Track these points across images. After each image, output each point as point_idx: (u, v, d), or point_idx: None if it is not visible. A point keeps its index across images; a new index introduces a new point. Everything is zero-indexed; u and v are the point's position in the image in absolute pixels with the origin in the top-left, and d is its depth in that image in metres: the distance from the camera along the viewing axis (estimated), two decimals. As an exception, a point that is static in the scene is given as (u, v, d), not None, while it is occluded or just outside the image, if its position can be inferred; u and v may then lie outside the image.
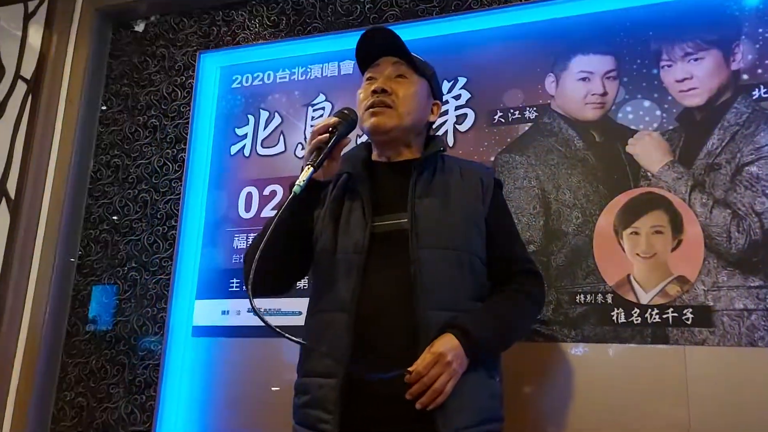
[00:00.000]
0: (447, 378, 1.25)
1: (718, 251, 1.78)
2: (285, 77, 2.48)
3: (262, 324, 2.18)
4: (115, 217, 2.57)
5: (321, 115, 2.36)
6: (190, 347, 2.31)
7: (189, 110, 2.55)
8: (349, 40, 2.32)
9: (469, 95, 2.17)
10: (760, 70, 1.87)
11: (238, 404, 2.19)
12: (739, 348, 1.71)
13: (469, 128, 2.15)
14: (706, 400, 1.70)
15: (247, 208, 2.38)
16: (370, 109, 1.45)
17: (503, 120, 2.11)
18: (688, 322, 1.76)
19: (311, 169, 1.29)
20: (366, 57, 1.54)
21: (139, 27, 2.78)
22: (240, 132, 2.48)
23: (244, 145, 2.46)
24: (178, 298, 2.35)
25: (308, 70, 2.45)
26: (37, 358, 2.44)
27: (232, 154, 2.47)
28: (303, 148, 2.33)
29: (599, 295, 1.86)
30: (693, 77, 1.92)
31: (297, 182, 1.27)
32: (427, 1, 2.32)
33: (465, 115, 2.16)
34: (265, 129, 2.45)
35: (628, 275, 1.85)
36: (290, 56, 2.49)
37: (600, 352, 1.83)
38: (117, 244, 2.53)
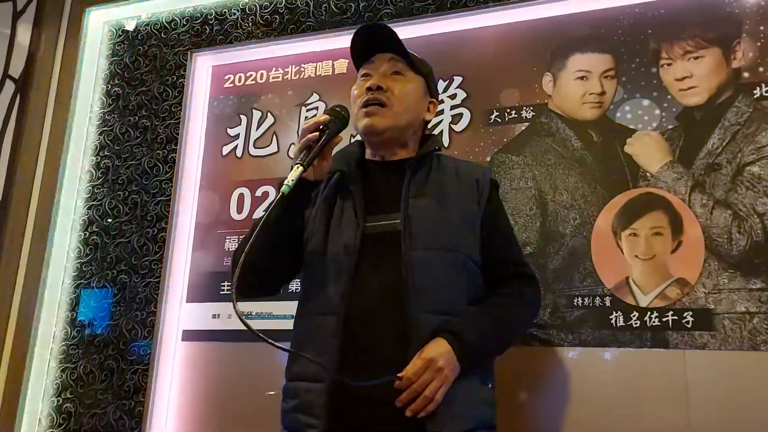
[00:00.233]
0: (438, 384, 1.22)
1: (718, 253, 1.75)
2: (278, 77, 2.45)
3: (255, 329, 2.16)
4: (105, 220, 2.52)
5: (314, 115, 2.33)
6: (180, 351, 2.27)
7: (180, 110, 2.52)
8: (344, 39, 2.30)
9: (465, 94, 2.15)
10: (761, 69, 1.84)
11: (228, 410, 2.15)
12: (740, 352, 1.68)
13: (465, 128, 2.12)
14: (707, 406, 1.67)
15: (239, 210, 2.34)
16: (365, 108, 1.42)
17: (499, 120, 2.08)
18: (689, 326, 1.73)
19: (300, 168, 1.26)
20: (361, 53, 1.51)
21: (130, 26, 2.74)
22: (232, 132, 2.45)
23: (237, 146, 2.43)
24: (167, 302, 2.32)
25: (302, 69, 2.42)
26: (24, 363, 2.40)
27: (224, 154, 2.44)
28: (296, 149, 2.29)
29: (597, 298, 1.83)
30: (693, 76, 1.90)
31: (285, 182, 1.23)
32: (423, 0, 2.28)
33: (461, 114, 2.13)
34: (257, 129, 2.42)
35: (627, 278, 1.82)
36: (283, 55, 2.46)
37: (598, 357, 1.79)
38: (106, 247, 2.49)
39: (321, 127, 1.31)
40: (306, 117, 2.35)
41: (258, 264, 1.31)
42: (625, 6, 2.01)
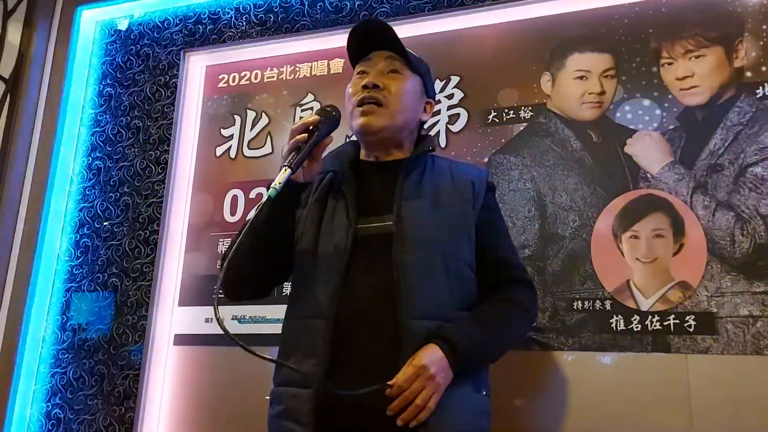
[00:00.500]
0: (429, 392, 1.18)
1: (721, 255, 1.72)
2: (272, 76, 2.42)
3: (247, 333, 2.12)
4: (96, 222, 2.48)
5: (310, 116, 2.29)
6: (172, 356, 2.24)
7: (173, 111, 2.49)
8: (339, 39, 2.28)
9: (462, 94, 2.12)
10: (764, 68, 1.81)
11: (221, 415, 2.11)
12: (744, 356, 1.65)
13: (462, 128, 2.09)
14: (709, 411, 1.64)
15: (233, 212, 2.31)
16: (360, 107, 1.39)
17: (497, 120, 2.05)
18: (691, 330, 1.70)
19: (288, 170, 1.23)
20: (358, 50, 1.48)
21: (123, 25, 2.71)
22: (226, 133, 2.42)
23: (230, 147, 2.39)
24: (159, 305, 2.28)
25: (296, 69, 2.39)
26: (13, 368, 2.36)
27: (217, 155, 2.40)
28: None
29: (597, 301, 1.80)
30: (694, 75, 1.87)
31: (272, 185, 1.20)
32: (419, -2, 2.26)
33: (458, 115, 2.10)
34: (251, 130, 2.39)
35: (628, 281, 1.78)
36: (278, 55, 2.43)
37: (598, 361, 1.76)
38: (97, 249, 2.45)
39: (311, 128, 1.28)
40: (301, 117, 2.31)
41: (246, 267, 1.30)
42: (625, 4, 1.98)
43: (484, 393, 1.32)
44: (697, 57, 1.87)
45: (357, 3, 2.35)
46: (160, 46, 2.62)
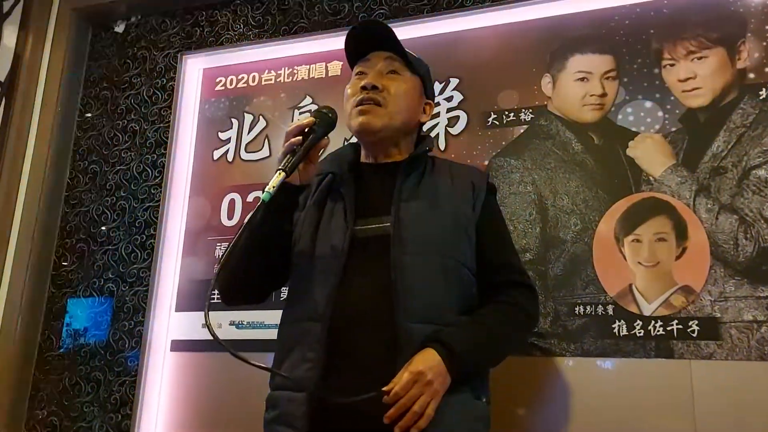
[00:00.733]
0: (427, 399, 1.16)
1: (725, 259, 1.70)
2: (270, 79, 2.40)
3: (246, 338, 2.10)
4: (92, 226, 2.46)
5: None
6: (169, 362, 2.21)
7: (170, 114, 2.47)
8: (337, 41, 2.25)
9: (462, 97, 2.10)
10: (767, 69, 1.79)
11: (218, 423, 2.08)
12: (748, 362, 1.63)
13: (462, 131, 2.07)
14: (713, 418, 1.62)
15: (230, 216, 2.29)
16: (359, 107, 1.37)
17: (497, 122, 2.03)
18: (694, 335, 1.68)
19: (282, 174, 1.21)
20: (356, 51, 1.46)
21: (119, 28, 2.69)
22: (223, 136, 2.40)
23: (228, 150, 2.37)
24: (156, 311, 2.26)
25: (294, 71, 2.37)
26: (8, 375, 2.34)
27: (214, 159, 2.38)
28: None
29: (599, 306, 1.78)
30: (696, 77, 1.85)
31: (267, 188, 1.19)
32: (418, 0, 2.23)
33: (457, 117, 2.08)
34: (249, 133, 2.37)
35: (630, 285, 1.76)
36: (276, 57, 2.41)
37: (600, 367, 1.74)
38: (93, 254, 2.43)
39: (305, 130, 1.27)
40: (298, 120, 2.29)
41: (242, 270, 1.30)
42: (627, 5, 1.97)
43: (484, 400, 1.29)
44: (699, 58, 1.85)
45: (355, 5, 2.33)
46: (157, 48, 2.61)
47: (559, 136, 1.94)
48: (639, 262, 1.77)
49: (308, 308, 1.27)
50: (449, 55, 2.12)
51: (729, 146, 1.77)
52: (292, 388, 1.24)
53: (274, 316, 2.02)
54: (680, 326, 1.69)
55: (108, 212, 2.46)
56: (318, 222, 1.35)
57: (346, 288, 1.25)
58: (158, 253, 2.30)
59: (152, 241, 2.34)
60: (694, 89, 1.84)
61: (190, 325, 2.21)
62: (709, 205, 1.74)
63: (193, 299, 2.24)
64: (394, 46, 1.42)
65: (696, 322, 1.68)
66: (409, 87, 1.42)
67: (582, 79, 1.96)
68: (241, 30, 2.49)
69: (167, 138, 2.44)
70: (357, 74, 1.44)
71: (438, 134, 2.08)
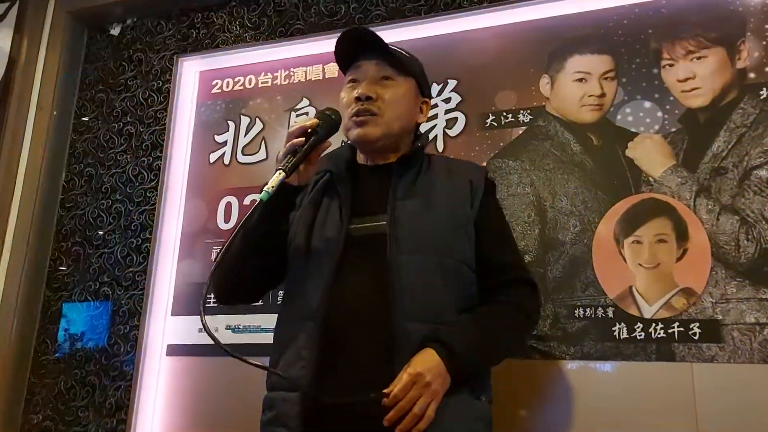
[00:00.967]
0: (427, 400, 1.14)
1: (726, 261, 1.68)
2: (267, 81, 2.39)
3: (242, 342, 2.08)
4: (87, 230, 2.44)
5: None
6: (165, 367, 2.19)
7: (166, 116, 2.46)
8: (334, 42, 2.20)
9: (460, 98, 2.08)
10: (767, 68, 1.77)
11: (214, 427, 2.06)
12: (750, 365, 1.61)
13: (460, 132, 2.06)
14: (716, 422, 1.60)
15: (227, 219, 2.27)
16: (355, 118, 1.36)
17: (496, 123, 2.01)
18: (696, 338, 1.66)
19: (282, 174, 1.20)
20: (346, 58, 1.44)
21: (115, 30, 2.68)
22: (220, 139, 2.38)
23: (224, 153, 2.36)
24: (152, 315, 2.24)
25: (291, 73, 2.36)
26: (3, 378, 2.32)
27: (211, 162, 2.37)
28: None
29: (599, 308, 1.76)
30: (696, 77, 1.83)
31: (265, 188, 1.18)
32: (415, 1, 2.23)
33: (455, 118, 2.07)
34: (246, 135, 2.35)
35: (630, 287, 1.74)
36: (272, 59, 2.40)
37: (601, 370, 1.73)
38: (89, 258, 2.41)
39: (308, 131, 1.26)
40: (296, 122, 2.27)
41: (237, 270, 1.29)
42: (625, 5, 1.95)
43: (485, 399, 1.28)
44: (699, 58, 1.84)
45: (352, 6, 2.32)
46: (153, 51, 2.59)
47: (558, 137, 1.93)
48: (639, 264, 1.75)
49: (303, 307, 1.27)
50: (447, 56, 2.11)
51: (729, 146, 1.75)
52: (286, 387, 1.23)
53: (271, 320, 1.99)
54: (681, 329, 1.67)
55: (104, 215, 2.45)
56: (313, 220, 1.34)
57: (341, 286, 1.24)
58: (154, 256, 2.29)
59: (148, 244, 2.33)
60: (693, 89, 1.82)
61: (186, 329, 2.19)
62: (709, 206, 1.73)
63: (189, 303, 2.22)
64: (383, 51, 1.39)
65: (697, 324, 1.67)
66: (404, 91, 1.40)
67: (580, 80, 1.95)
68: (238, 32, 2.48)
69: (163, 141, 2.42)
70: (350, 82, 1.42)
71: (436, 135, 2.07)
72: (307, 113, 2.28)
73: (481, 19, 2.11)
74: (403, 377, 1.14)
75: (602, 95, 1.91)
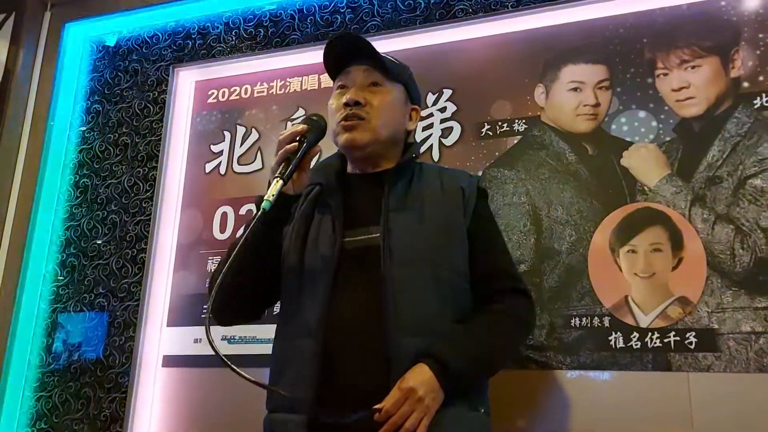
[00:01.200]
0: (419, 416, 1.13)
1: (721, 270, 1.68)
2: (262, 91, 2.38)
3: (238, 353, 2.07)
4: (83, 241, 2.43)
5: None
6: (160, 378, 2.18)
7: (162, 127, 2.46)
8: (329, 52, 2.23)
9: (455, 108, 2.08)
10: (761, 78, 1.78)
11: (211, 439, 2.04)
12: (747, 374, 1.60)
13: (455, 142, 2.05)
14: (712, 431, 1.59)
15: (222, 229, 2.27)
16: (343, 123, 1.35)
17: (491, 133, 2.01)
18: (692, 347, 1.65)
19: (281, 182, 1.19)
20: (336, 64, 1.44)
21: (111, 41, 2.67)
22: (215, 149, 2.38)
23: (220, 163, 2.36)
24: (147, 326, 2.23)
25: (287, 83, 2.36)
26: (-2, 391, 2.30)
27: (206, 172, 2.36)
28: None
29: (595, 318, 1.75)
30: (690, 86, 1.84)
31: (266, 197, 1.16)
32: (410, 11, 2.22)
33: (451, 128, 2.07)
34: (241, 145, 2.35)
35: (626, 296, 1.74)
36: (268, 69, 2.40)
37: (597, 380, 1.72)
38: (84, 269, 2.40)
39: (299, 138, 1.24)
40: (283, 132, 2.28)
41: (237, 287, 1.26)
42: (620, 15, 1.96)
43: (482, 410, 1.27)
44: (693, 67, 1.84)
45: (348, 17, 2.32)
46: (149, 61, 2.59)
47: (553, 147, 1.93)
48: (635, 273, 1.75)
49: (300, 324, 1.25)
50: (442, 66, 2.11)
51: (724, 155, 1.75)
52: (289, 409, 1.21)
53: (266, 330, 2.01)
54: (677, 338, 1.67)
55: (99, 226, 2.44)
56: (306, 234, 1.33)
57: (337, 303, 1.23)
58: (149, 267, 2.28)
59: (143, 255, 2.31)
60: (687, 98, 1.83)
61: (182, 340, 2.18)
62: (704, 215, 1.73)
63: (184, 314, 2.21)
64: (372, 58, 1.39)
65: (693, 333, 1.66)
66: (392, 98, 1.39)
67: (575, 89, 1.95)
68: (233, 42, 2.48)
69: (159, 151, 2.42)
70: (338, 88, 1.42)
71: (431, 145, 2.07)
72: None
73: (477, 29, 2.12)
74: (395, 393, 1.14)
75: (597, 105, 1.92)
